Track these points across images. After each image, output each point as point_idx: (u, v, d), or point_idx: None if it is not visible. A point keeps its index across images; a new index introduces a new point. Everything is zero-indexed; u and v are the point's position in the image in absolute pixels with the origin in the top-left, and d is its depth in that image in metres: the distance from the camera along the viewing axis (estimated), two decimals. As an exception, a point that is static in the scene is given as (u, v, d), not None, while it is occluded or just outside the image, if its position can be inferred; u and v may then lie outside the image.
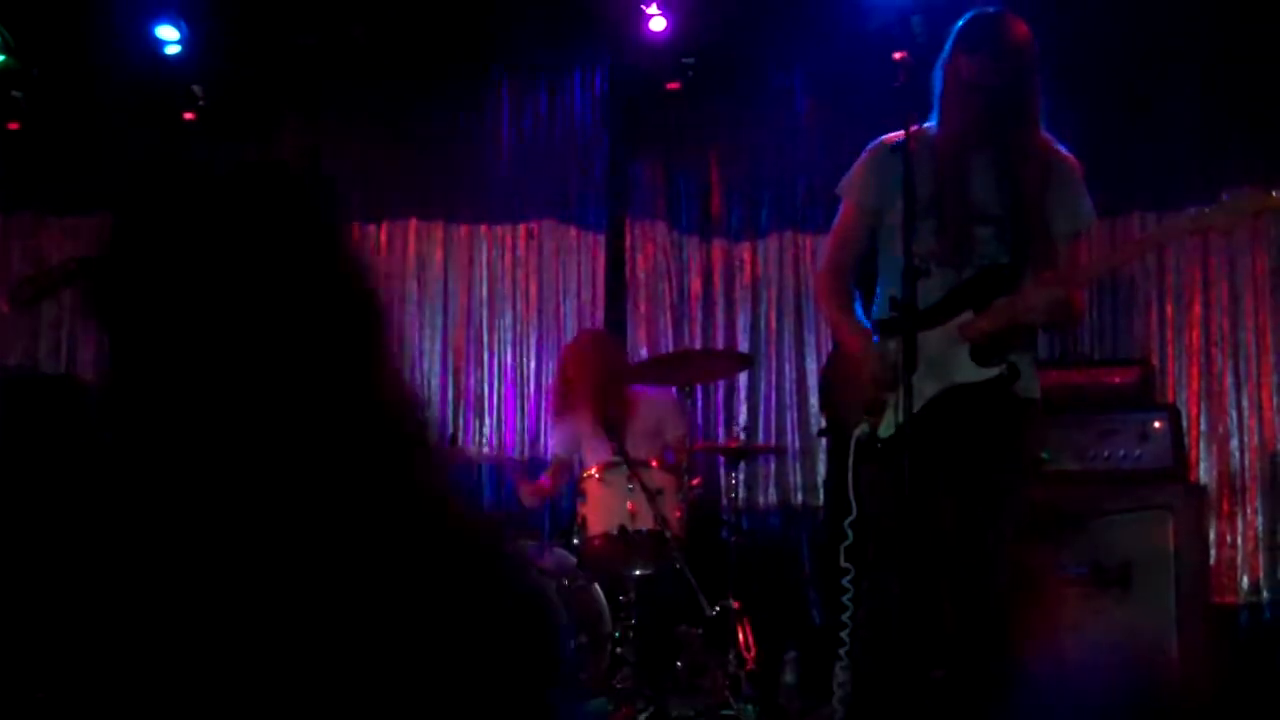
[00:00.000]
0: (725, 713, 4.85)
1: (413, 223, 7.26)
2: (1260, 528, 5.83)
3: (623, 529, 4.88)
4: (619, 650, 4.95)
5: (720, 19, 6.66)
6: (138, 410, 1.23)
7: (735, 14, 6.65)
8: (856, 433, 3.40)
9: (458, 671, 1.22)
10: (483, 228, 7.19)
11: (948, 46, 3.40)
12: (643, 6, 6.52)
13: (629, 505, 4.89)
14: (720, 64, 6.87)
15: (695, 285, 6.98)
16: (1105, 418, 5.12)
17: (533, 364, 7.07)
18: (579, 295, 7.05)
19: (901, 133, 3.27)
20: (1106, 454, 5.07)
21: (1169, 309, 6.12)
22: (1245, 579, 5.83)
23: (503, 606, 1.31)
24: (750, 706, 4.85)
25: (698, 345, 6.84)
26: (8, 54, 6.62)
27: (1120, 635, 4.74)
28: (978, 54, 3.34)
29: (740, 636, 5.09)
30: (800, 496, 6.68)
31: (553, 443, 5.85)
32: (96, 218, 7.34)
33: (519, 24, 6.83)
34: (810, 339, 6.76)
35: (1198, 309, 6.06)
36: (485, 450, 6.96)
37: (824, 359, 5.42)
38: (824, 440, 6.19)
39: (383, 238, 7.29)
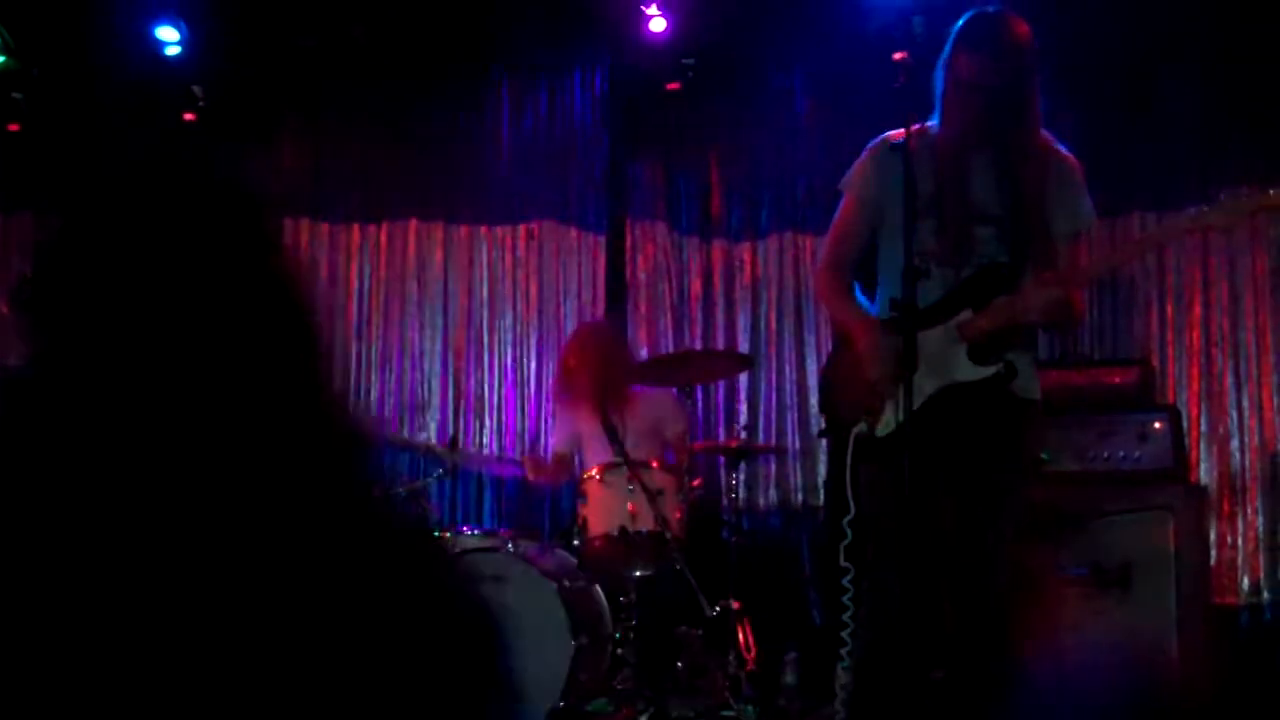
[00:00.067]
0: (725, 713, 4.85)
1: (413, 223, 7.27)
2: (1261, 528, 5.83)
3: (623, 530, 4.88)
4: (619, 651, 4.95)
5: (720, 19, 6.66)
6: (61, 408, 1.22)
7: (735, 14, 6.65)
8: (855, 431, 3.40)
9: (390, 679, 1.22)
10: (483, 228, 7.20)
11: (948, 46, 3.40)
12: (643, 7, 6.52)
13: (629, 506, 4.89)
14: (720, 64, 6.87)
15: (695, 286, 6.98)
16: (1105, 418, 5.11)
17: (533, 365, 7.07)
18: (579, 296, 7.05)
19: (904, 131, 3.27)
20: (1106, 454, 5.07)
21: (1169, 309, 6.12)
22: (1246, 580, 5.82)
23: (437, 615, 1.30)
24: (750, 707, 4.85)
25: (698, 346, 6.84)
26: (8, 55, 6.63)
27: (1120, 636, 4.74)
28: (978, 53, 3.34)
29: (740, 637, 5.10)
30: (800, 497, 6.68)
31: (553, 438, 5.85)
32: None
33: (519, 24, 6.83)
34: (810, 339, 6.76)
35: (1198, 309, 6.06)
36: (485, 451, 6.97)
37: (824, 359, 5.42)
38: (824, 441, 6.20)
39: (383, 238, 7.29)
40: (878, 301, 3.56)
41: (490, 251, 7.19)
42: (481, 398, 7.10)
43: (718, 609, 4.91)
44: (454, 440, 5.52)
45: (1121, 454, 5.05)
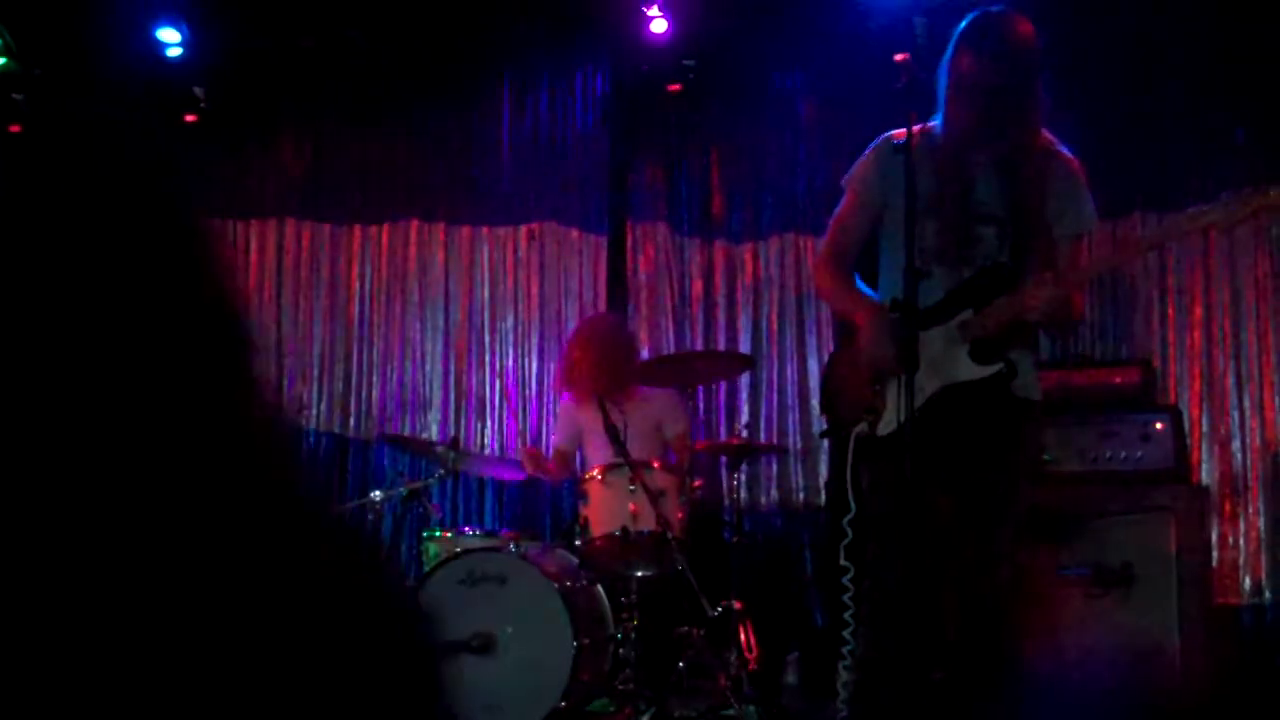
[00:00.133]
0: (727, 714, 4.85)
1: (414, 224, 7.28)
2: (1262, 529, 5.83)
3: (625, 530, 4.88)
4: (621, 651, 4.95)
5: (721, 21, 6.67)
6: None
7: (736, 16, 6.66)
8: (856, 431, 3.40)
9: (315, 683, 1.20)
10: (484, 229, 7.20)
11: (951, 45, 3.41)
12: (644, 8, 6.52)
13: (631, 506, 4.89)
14: (721, 65, 6.88)
15: (696, 287, 6.98)
16: (1107, 419, 5.12)
17: (534, 365, 7.08)
18: (580, 297, 7.06)
19: (911, 129, 3.27)
20: (1108, 455, 5.07)
21: (1170, 310, 6.12)
22: (1247, 580, 5.82)
23: (368, 618, 1.29)
24: (752, 707, 4.85)
25: (699, 346, 6.85)
26: (9, 56, 6.63)
27: (1122, 637, 4.73)
28: (981, 53, 3.34)
29: (742, 637, 5.09)
30: (802, 497, 6.68)
31: (554, 435, 5.85)
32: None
33: (520, 25, 6.84)
34: (811, 340, 6.76)
35: (1199, 310, 6.06)
36: (487, 451, 6.97)
37: (825, 360, 5.42)
38: (826, 441, 6.21)
39: (384, 239, 7.30)
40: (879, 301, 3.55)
41: (491, 252, 7.19)
42: (483, 398, 7.11)
43: (719, 609, 4.91)
44: (455, 440, 5.52)
45: (1123, 454, 5.05)
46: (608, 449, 5.09)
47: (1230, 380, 5.99)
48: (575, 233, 7.09)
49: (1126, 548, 4.83)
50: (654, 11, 6.52)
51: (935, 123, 3.49)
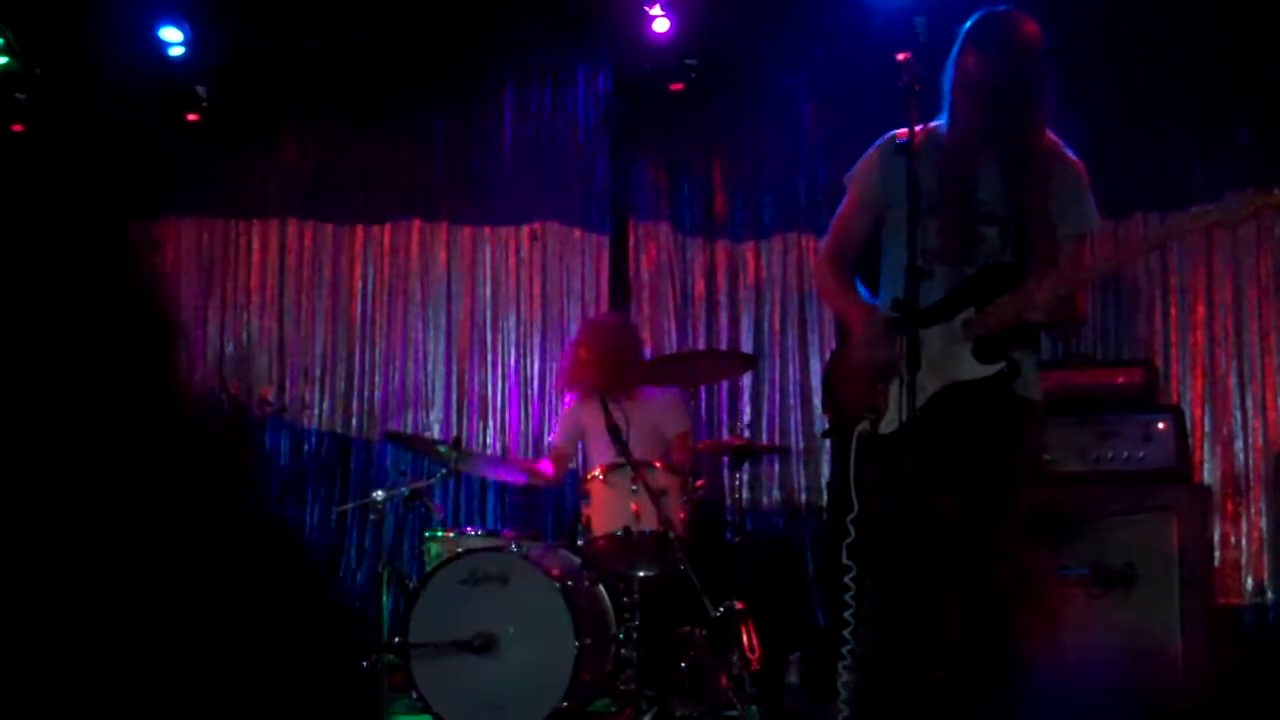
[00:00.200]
0: (729, 714, 4.85)
1: (416, 224, 7.28)
2: (1265, 529, 5.83)
3: (627, 530, 4.88)
4: (623, 651, 4.95)
5: (723, 20, 6.66)
6: None
7: (738, 15, 6.65)
8: (858, 430, 3.40)
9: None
10: (486, 229, 7.20)
11: (957, 45, 3.41)
12: (646, 8, 6.52)
13: (633, 506, 4.89)
14: (723, 65, 6.87)
15: (699, 286, 6.98)
16: (1109, 419, 5.12)
17: (536, 365, 7.08)
18: (582, 296, 7.06)
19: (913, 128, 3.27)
20: (1110, 455, 5.07)
21: (1173, 310, 6.12)
22: (1250, 580, 5.82)
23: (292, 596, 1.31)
24: (754, 707, 4.85)
25: (701, 346, 6.84)
26: (11, 56, 6.64)
27: (1123, 637, 4.73)
28: (987, 52, 3.34)
29: (744, 637, 5.09)
30: (804, 497, 6.68)
31: (554, 433, 5.85)
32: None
33: (522, 25, 6.84)
34: (814, 339, 6.76)
35: (1201, 310, 6.06)
36: (489, 451, 6.97)
37: (827, 359, 5.41)
38: (828, 441, 6.20)
39: (386, 239, 7.30)
40: (880, 300, 3.56)
41: (493, 252, 7.19)
42: (485, 398, 7.11)
43: (721, 609, 4.90)
44: (457, 440, 5.52)
45: (1125, 454, 5.05)
46: (610, 449, 5.09)
47: (1232, 380, 5.99)
48: (577, 232, 7.09)
49: (1128, 548, 4.83)
50: (656, 10, 6.52)
51: (938, 122, 3.49)
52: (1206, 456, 5.95)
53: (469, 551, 4.94)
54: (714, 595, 4.84)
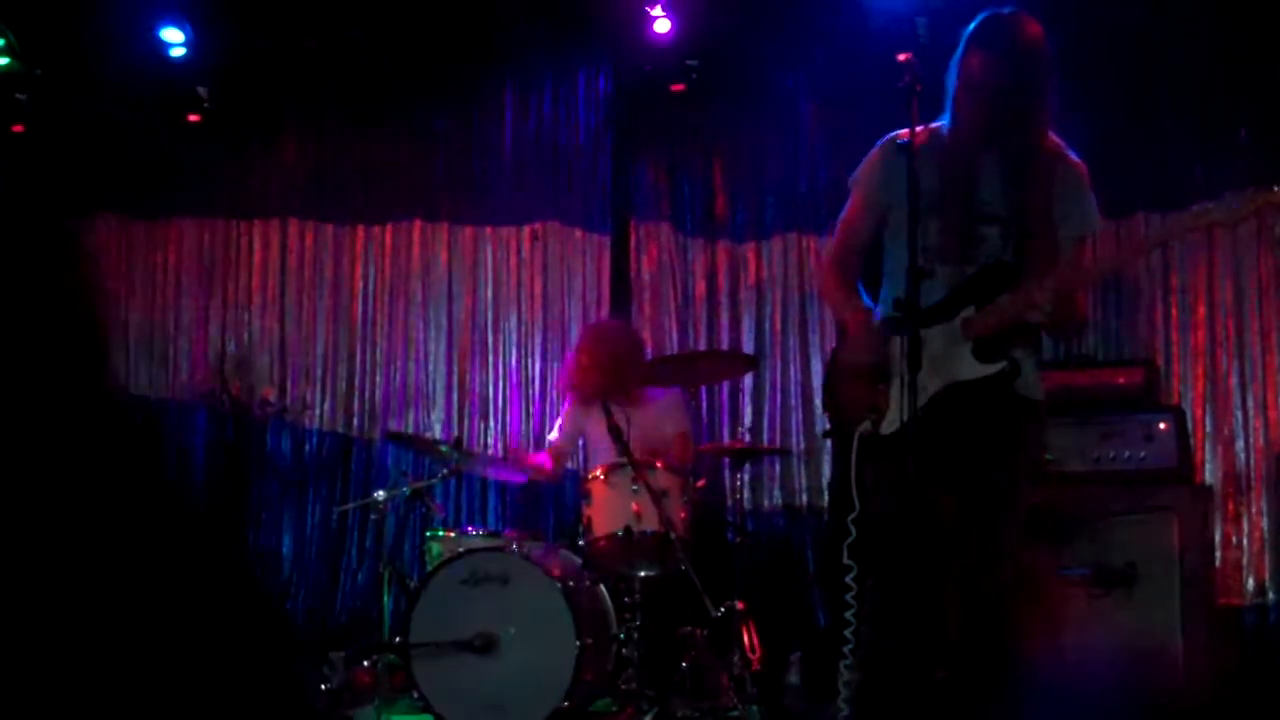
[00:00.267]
0: (730, 714, 4.85)
1: (417, 224, 7.29)
2: (1266, 529, 5.83)
3: (628, 530, 4.88)
4: (624, 651, 4.95)
5: (724, 21, 6.67)
6: None
7: (739, 16, 6.66)
8: (859, 431, 3.40)
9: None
10: (487, 229, 7.21)
11: (961, 45, 3.41)
12: (646, 8, 6.52)
13: (634, 506, 4.89)
14: (724, 65, 6.87)
15: (700, 287, 6.98)
16: (1110, 419, 5.12)
17: (537, 365, 7.08)
18: (583, 297, 7.06)
19: (916, 128, 3.27)
20: (1111, 455, 5.06)
21: (1174, 310, 6.12)
22: (1251, 580, 5.82)
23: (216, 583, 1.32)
24: (755, 707, 4.85)
25: (702, 347, 6.85)
26: (12, 56, 6.64)
27: (1124, 637, 4.73)
28: (990, 53, 3.34)
29: (745, 637, 5.09)
30: (805, 498, 6.68)
31: (554, 432, 5.85)
32: (102, 218, 7.38)
33: (523, 26, 6.84)
34: (815, 340, 6.76)
35: (1202, 310, 6.06)
36: (489, 451, 6.97)
37: (828, 358, 5.41)
38: (829, 441, 6.21)
39: (387, 239, 7.31)
40: (882, 301, 3.56)
41: (494, 252, 7.20)
42: (486, 398, 7.11)
43: (722, 609, 4.90)
44: (459, 440, 5.52)
45: (1126, 454, 5.05)
46: (611, 449, 5.09)
47: (1234, 380, 5.99)
48: (578, 233, 7.10)
49: (1129, 548, 4.83)
50: (657, 11, 6.52)
51: (940, 123, 3.49)
52: (1208, 456, 5.95)
53: (470, 551, 4.94)
54: (715, 595, 4.84)
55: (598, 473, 5.08)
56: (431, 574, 4.87)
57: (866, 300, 3.58)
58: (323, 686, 5.44)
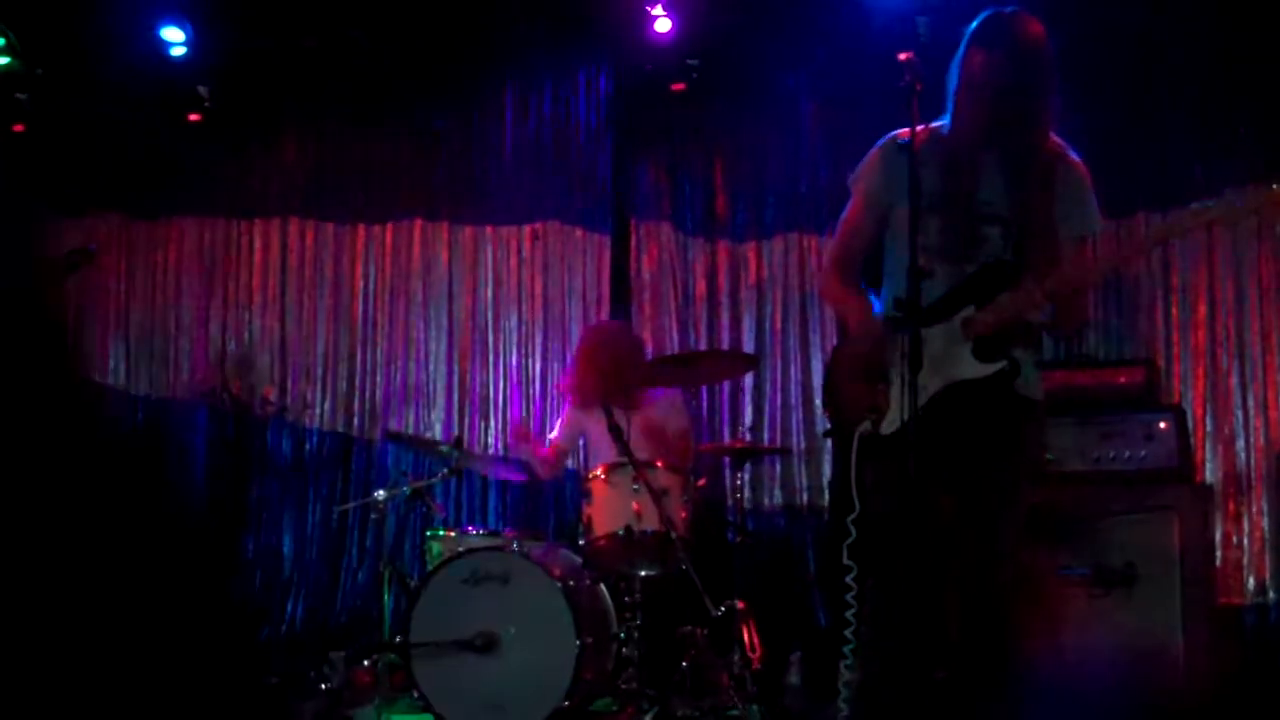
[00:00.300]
0: (730, 713, 4.85)
1: (418, 224, 7.29)
2: (1266, 528, 5.83)
3: (628, 529, 4.88)
4: (624, 650, 4.95)
5: (725, 20, 6.67)
6: None
7: (740, 15, 6.66)
8: (860, 430, 3.39)
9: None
10: (488, 229, 7.22)
11: (963, 44, 3.41)
12: (647, 8, 6.52)
13: (634, 506, 4.89)
14: (725, 65, 6.87)
15: (700, 286, 6.98)
16: (1110, 418, 5.11)
17: (538, 365, 7.09)
18: (584, 296, 7.06)
19: (916, 128, 3.27)
20: (1111, 455, 5.06)
21: (1174, 309, 6.12)
22: (1251, 580, 5.82)
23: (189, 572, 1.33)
24: (755, 707, 4.85)
25: (703, 346, 6.85)
26: (12, 56, 6.64)
27: (1125, 637, 4.73)
28: (992, 51, 3.34)
29: (745, 637, 5.09)
30: (805, 497, 6.68)
31: (555, 431, 5.85)
32: (102, 218, 7.38)
33: (523, 25, 6.85)
34: (815, 339, 6.76)
35: (1203, 309, 6.06)
36: (490, 451, 6.98)
37: (828, 358, 5.41)
38: (829, 441, 6.20)
39: (388, 239, 7.31)
40: (882, 300, 3.56)
41: (495, 252, 7.20)
42: (486, 398, 7.12)
43: (722, 609, 4.90)
44: (459, 440, 5.52)
45: (1126, 454, 5.05)
46: (611, 448, 5.09)
47: (1234, 379, 5.99)
48: (579, 232, 7.10)
49: (1129, 547, 4.83)
50: (657, 11, 6.53)
51: (941, 122, 3.49)
52: (1208, 456, 5.95)
53: (470, 551, 4.94)
54: (715, 595, 4.84)
55: (598, 472, 5.08)
56: (432, 573, 4.87)
57: (871, 298, 3.58)
58: (323, 686, 5.45)
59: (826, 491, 6.56)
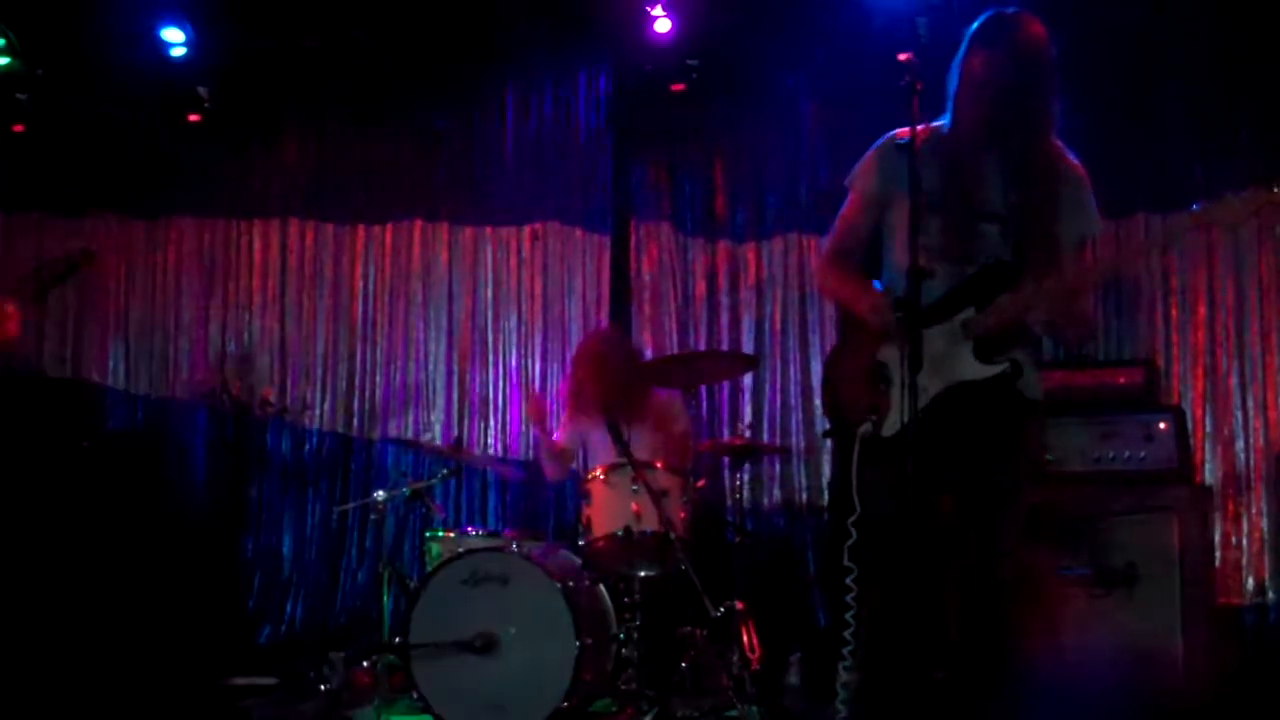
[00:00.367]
0: (729, 714, 4.85)
1: (418, 224, 7.29)
2: (1266, 529, 5.83)
3: (628, 530, 4.87)
4: (624, 651, 4.95)
5: (724, 20, 6.66)
6: None
7: (739, 15, 6.65)
8: (861, 431, 3.39)
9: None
10: (487, 229, 7.22)
11: (963, 45, 3.40)
12: (647, 8, 6.52)
13: (634, 506, 4.89)
14: (725, 65, 6.87)
15: (700, 286, 6.98)
16: (1110, 419, 5.12)
17: (537, 365, 7.09)
18: (584, 297, 7.06)
19: (916, 127, 3.27)
20: (1111, 455, 5.07)
21: (1174, 310, 6.12)
22: (1250, 580, 5.82)
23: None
24: (754, 707, 4.84)
25: (702, 346, 6.85)
26: (12, 56, 6.64)
27: (1124, 637, 4.73)
28: (993, 52, 3.34)
29: (745, 637, 5.09)
30: (805, 497, 6.68)
31: (559, 434, 5.84)
32: (102, 218, 7.38)
33: (523, 26, 6.84)
34: (815, 340, 6.77)
35: (1203, 310, 6.06)
36: (490, 452, 6.98)
37: (827, 358, 5.40)
38: (829, 441, 6.21)
39: (388, 239, 7.31)
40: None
41: (495, 252, 7.20)
42: (486, 398, 7.12)
43: (722, 609, 4.90)
44: (459, 440, 5.52)
45: (1126, 454, 5.05)
46: (611, 449, 5.09)
47: (1234, 380, 5.99)
48: (579, 232, 7.10)
49: (1129, 548, 4.83)
50: (657, 11, 6.52)
51: (940, 122, 3.48)
52: (1208, 456, 5.95)
53: (470, 551, 4.94)
54: (715, 595, 4.83)
55: (598, 473, 5.08)
56: (431, 574, 4.87)
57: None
58: (322, 687, 5.45)
59: (826, 491, 6.56)
